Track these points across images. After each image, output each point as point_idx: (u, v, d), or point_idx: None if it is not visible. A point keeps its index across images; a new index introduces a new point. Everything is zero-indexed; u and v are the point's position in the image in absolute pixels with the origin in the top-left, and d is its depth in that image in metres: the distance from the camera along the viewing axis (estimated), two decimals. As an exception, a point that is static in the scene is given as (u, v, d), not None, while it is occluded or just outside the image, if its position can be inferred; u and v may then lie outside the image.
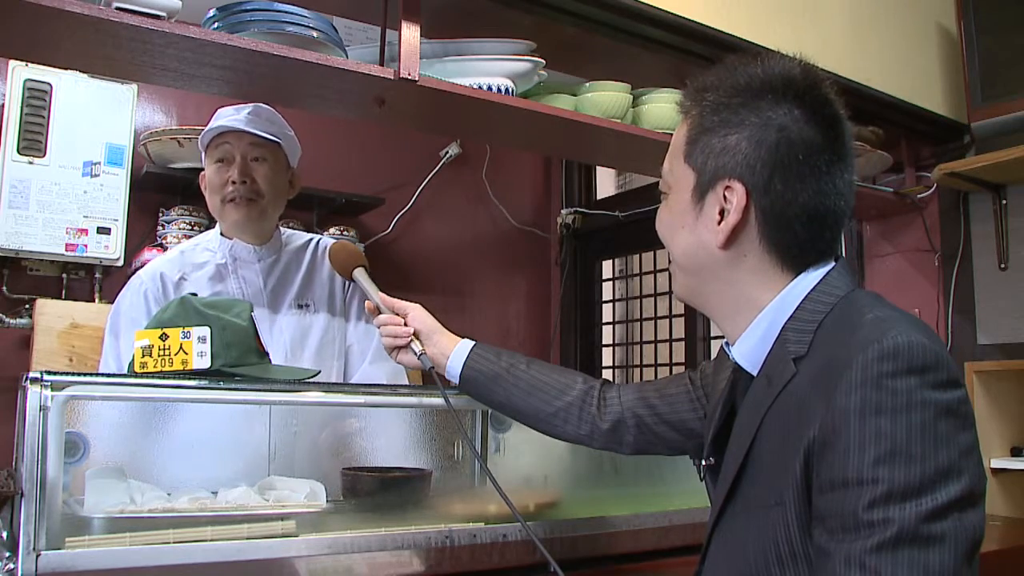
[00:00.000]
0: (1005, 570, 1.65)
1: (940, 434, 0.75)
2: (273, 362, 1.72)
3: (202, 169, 2.03)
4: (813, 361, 0.86)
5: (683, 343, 3.30)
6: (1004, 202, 2.29)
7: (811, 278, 0.92)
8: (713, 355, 1.18)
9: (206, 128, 1.81)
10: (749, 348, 0.94)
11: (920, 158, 2.47)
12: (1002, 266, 2.29)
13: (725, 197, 0.92)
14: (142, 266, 2.54)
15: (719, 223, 0.92)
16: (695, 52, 1.82)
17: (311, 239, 1.93)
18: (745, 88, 0.92)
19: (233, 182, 1.75)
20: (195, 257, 1.82)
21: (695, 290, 1.00)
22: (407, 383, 1.82)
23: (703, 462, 1.04)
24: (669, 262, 1.03)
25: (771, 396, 0.89)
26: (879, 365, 0.77)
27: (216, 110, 1.85)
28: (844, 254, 2.78)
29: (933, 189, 2.40)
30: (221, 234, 1.84)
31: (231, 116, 1.78)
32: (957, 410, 0.77)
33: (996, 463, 2.09)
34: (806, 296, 0.91)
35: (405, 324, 1.30)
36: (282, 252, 1.87)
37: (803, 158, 0.90)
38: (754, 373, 0.95)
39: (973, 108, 2.21)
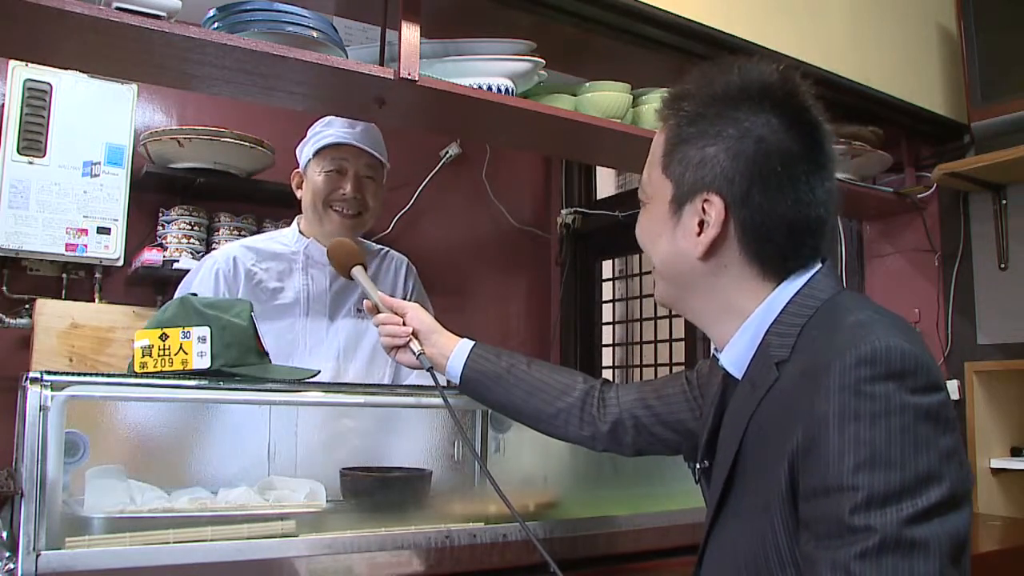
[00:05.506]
0: (1005, 570, 1.65)
1: (919, 439, 0.75)
2: (324, 363, 1.74)
3: (204, 169, 2.03)
4: (796, 365, 0.86)
5: (683, 343, 3.30)
6: (1004, 202, 2.29)
7: (795, 283, 0.91)
8: (712, 355, 1.18)
9: (315, 132, 1.87)
10: (737, 354, 0.94)
11: (920, 158, 2.47)
12: (1002, 266, 2.29)
13: (704, 209, 0.91)
14: (143, 266, 2.56)
15: (698, 234, 0.92)
16: (695, 52, 1.82)
17: (381, 250, 2.01)
18: (722, 97, 0.91)
19: (344, 195, 1.82)
20: (269, 247, 1.87)
21: (676, 297, 1.00)
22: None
23: (697, 465, 1.04)
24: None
25: (755, 401, 0.88)
26: (857, 371, 0.77)
27: (319, 117, 1.89)
28: (844, 254, 2.78)
29: (933, 189, 2.40)
30: (300, 232, 1.90)
31: (347, 130, 1.84)
32: (937, 414, 0.76)
33: (996, 463, 2.09)
34: (790, 300, 0.90)
35: (404, 323, 1.30)
36: None
37: (781, 169, 0.89)
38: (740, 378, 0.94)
39: (973, 108, 2.21)
